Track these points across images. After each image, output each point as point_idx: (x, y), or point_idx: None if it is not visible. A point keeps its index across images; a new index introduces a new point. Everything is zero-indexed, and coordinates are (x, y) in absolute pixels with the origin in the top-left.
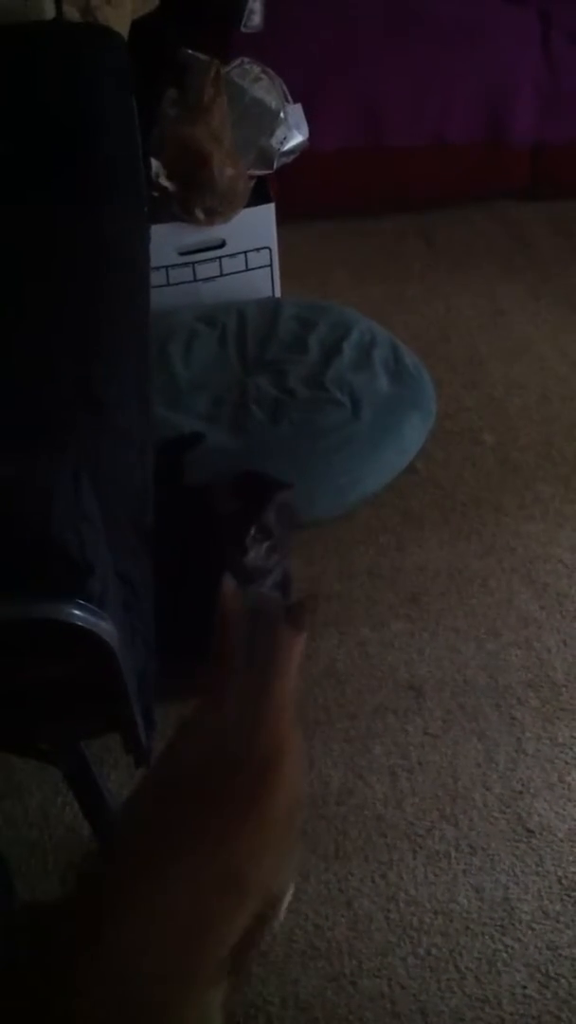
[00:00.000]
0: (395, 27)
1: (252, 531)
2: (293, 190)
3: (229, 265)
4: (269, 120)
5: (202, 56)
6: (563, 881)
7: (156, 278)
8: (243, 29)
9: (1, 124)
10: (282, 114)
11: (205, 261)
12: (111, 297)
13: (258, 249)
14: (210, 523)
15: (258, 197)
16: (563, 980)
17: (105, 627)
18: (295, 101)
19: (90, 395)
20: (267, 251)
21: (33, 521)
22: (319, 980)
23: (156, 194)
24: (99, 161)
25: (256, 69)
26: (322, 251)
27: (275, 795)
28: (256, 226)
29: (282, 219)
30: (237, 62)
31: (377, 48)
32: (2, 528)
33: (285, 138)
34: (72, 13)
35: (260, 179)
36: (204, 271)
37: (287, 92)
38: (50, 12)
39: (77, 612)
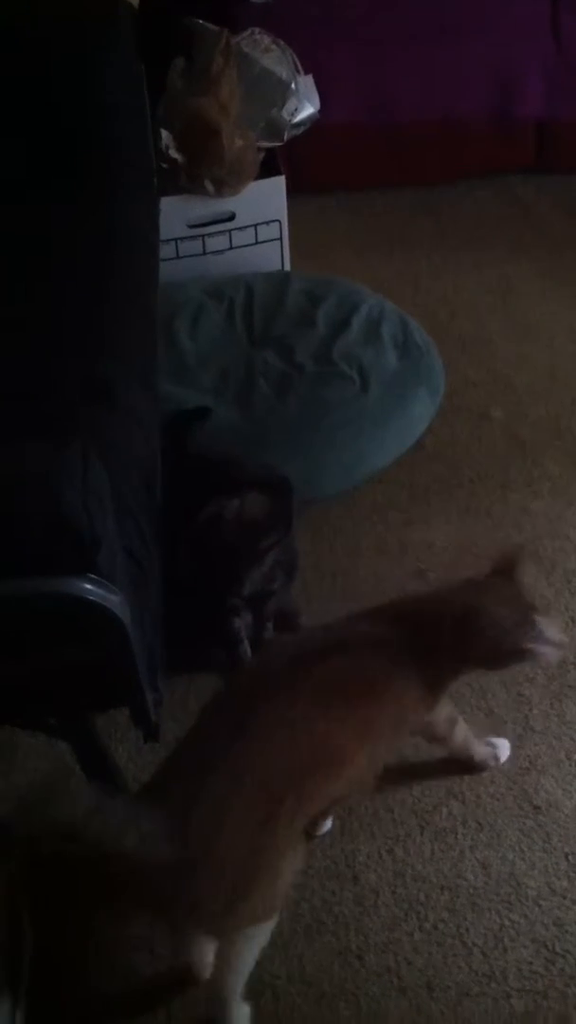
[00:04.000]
0: (405, 2)
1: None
2: (303, 164)
3: (239, 238)
4: (279, 91)
5: (212, 26)
6: (570, 858)
7: (165, 251)
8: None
9: (8, 98)
10: (293, 85)
11: (215, 234)
12: (118, 277)
13: (268, 222)
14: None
15: (268, 170)
16: (569, 956)
17: (115, 601)
18: (306, 72)
19: (96, 374)
20: (277, 224)
21: (42, 499)
22: (326, 955)
23: (165, 165)
24: (108, 135)
25: (266, 39)
26: (331, 225)
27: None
28: (266, 199)
29: (290, 194)
30: (247, 32)
31: (387, 22)
32: (12, 506)
33: (296, 110)
34: None
35: (270, 151)
36: (214, 244)
37: (298, 63)
38: None
39: (88, 586)
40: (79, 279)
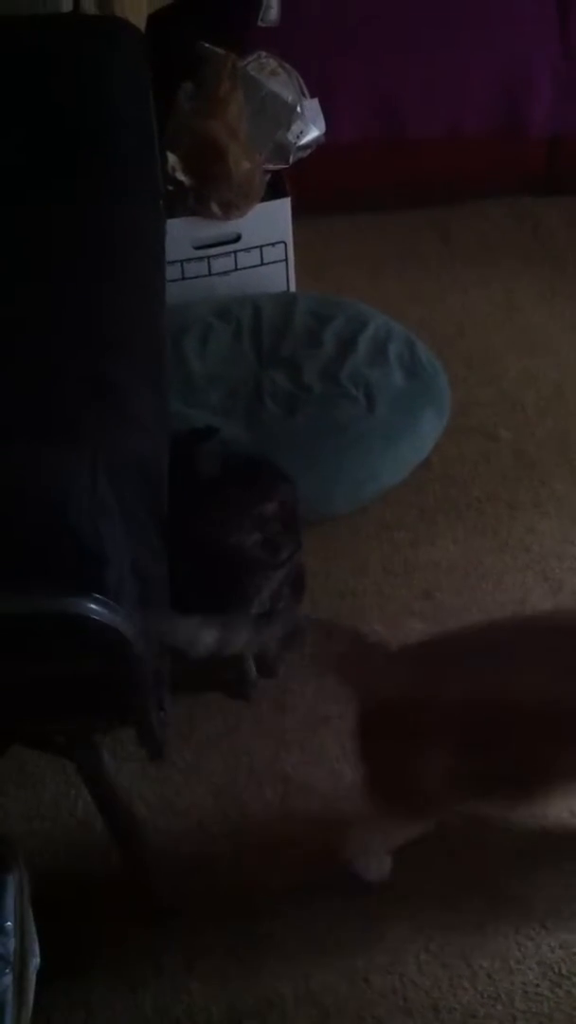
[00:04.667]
0: (411, 18)
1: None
2: (309, 184)
3: (244, 259)
4: (286, 114)
5: (219, 50)
6: None
7: (171, 272)
8: (260, 23)
9: (16, 118)
10: (299, 108)
11: (220, 255)
12: (124, 291)
13: (273, 244)
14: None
15: (274, 191)
16: (575, 978)
17: (121, 621)
18: (312, 95)
19: (103, 388)
20: (282, 246)
21: (50, 514)
22: (332, 975)
23: (172, 188)
24: (114, 156)
25: (273, 63)
26: (337, 246)
27: None
28: (272, 220)
29: (297, 214)
30: (254, 56)
31: (393, 39)
32: (19, 520)
33: (301, 132)
34: (89, 5)
35: (276, 173)
36: (219, 265)
37: (304, 86)
38: (67, 4)
39: (93, 606)
40: (84, 281)
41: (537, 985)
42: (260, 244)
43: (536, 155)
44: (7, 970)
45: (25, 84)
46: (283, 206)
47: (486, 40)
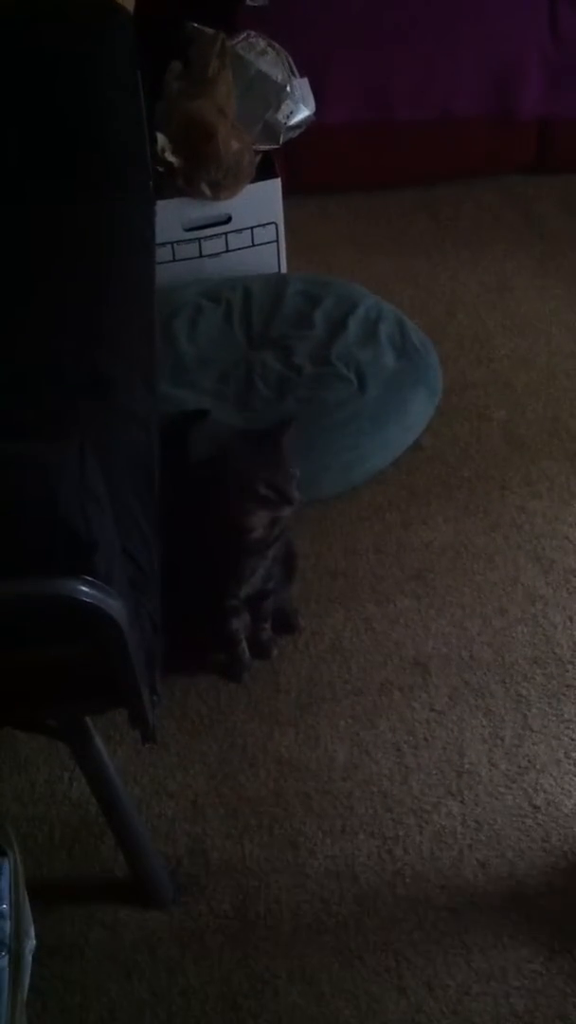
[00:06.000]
0: (403, 0)
1: (260, 488)
2: (299, 165)
3: (235, 241)
4: (275, 94)
5: (208, 29)
6: (569, 856)
7: (162, 254)
8: (249, 3)
9: (5, 102)
10: (288, 88)
11: (211, 237)
12: (115, 278)
13: (264, 225)
14: (214, 497)
15: (264, 172)
16: (568, 955)
17: (112, 603)
18: (301, 75)
19: (94, 375)
20: (273, 226)
21: (39, 499)
22: (326, 954)
23: (161, 169)
24: (104, 139)
25: (262, 43)
26: (328, 227)
27: None
28: (262, 201)
29: (288, 194)
30: (243, 35)
31: (384, 21)
32: (8, 506)
33: (291, 112)
34: None
35: (266, 154)
36: (210, 247)
37: (293, 66)
38: None
39: (84, 588)
40: (76, 276)
41: (530, 961)
42: (251, 225)
43: (527, 138)
44: (3, 952)
45: (15, 72)
46: (274, 187)
47: (477, 23)
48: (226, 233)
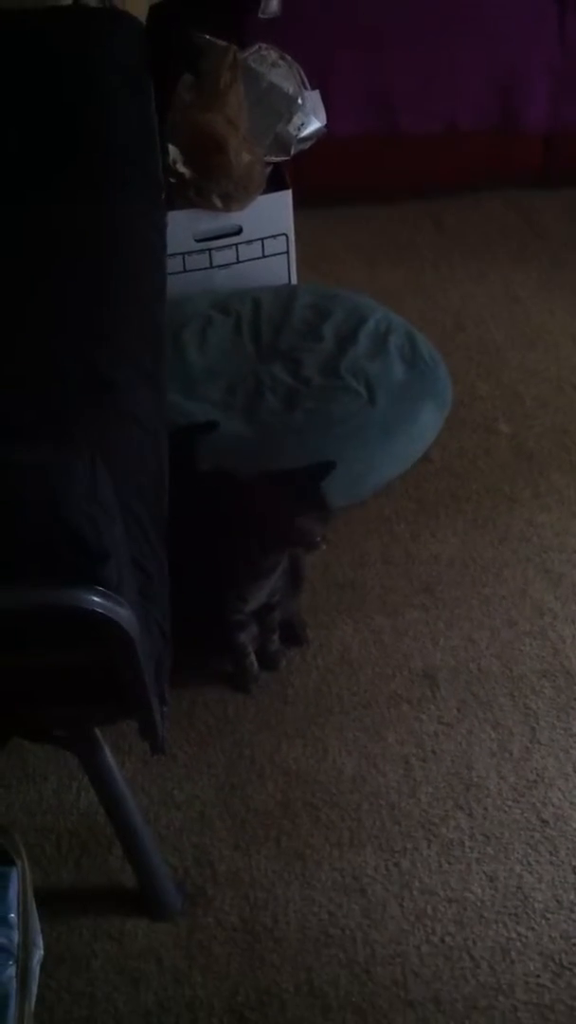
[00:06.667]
0: (410, 13)
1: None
2: (308, 177)
3: (246, 252)
4: (286, 106)
5: (219, 41)
6: None
7: (172, 265)
8: (260, 15)
9: (16, 110)
10: (299, 100)
11: (222, 248)
12: (116, 279)
13: (275, 236)
14: (223, 510)
15: (275, 184)
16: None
17: (122, 613)
18: (312, 87)
19: (100, 382)
20: (284, 238)
21: (49, 508)
22: (333, 967)
23: (173, 180)
24: (114, 148)
25: (273, 55)
26: (337, 238)
27: None
28: (273, 213)
29: (298, 205)
30: (254, 48)
31: (392, 34)
32: (18, 515)
33: (302, 124)
34: None
35: (276, 165)
36: (220, 258)
37: (304, 78)
38: None
39: (95, 598)
40: (75, 276)
41: (538, 976)
42: (261, 236)
43: (533, 150)
44: (10, 962)
45: (25, 78)
46: (284, 198)
47: (484, 35)
48: (237, 244)
